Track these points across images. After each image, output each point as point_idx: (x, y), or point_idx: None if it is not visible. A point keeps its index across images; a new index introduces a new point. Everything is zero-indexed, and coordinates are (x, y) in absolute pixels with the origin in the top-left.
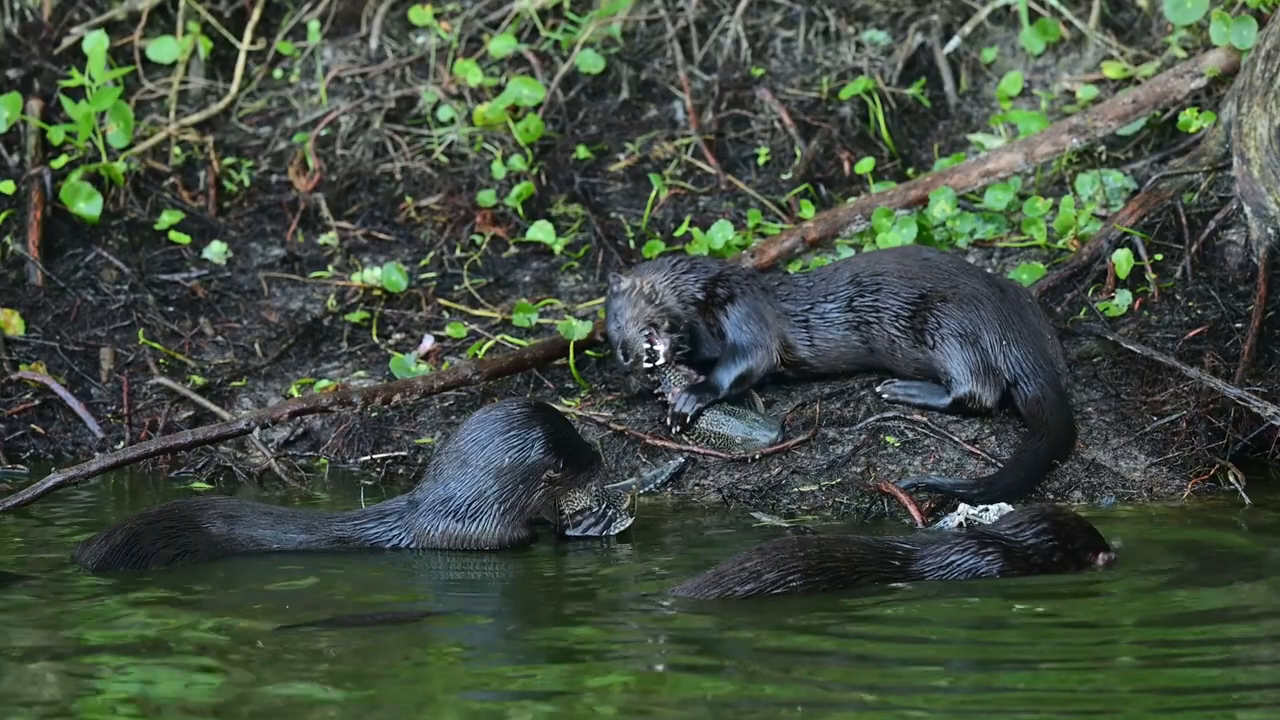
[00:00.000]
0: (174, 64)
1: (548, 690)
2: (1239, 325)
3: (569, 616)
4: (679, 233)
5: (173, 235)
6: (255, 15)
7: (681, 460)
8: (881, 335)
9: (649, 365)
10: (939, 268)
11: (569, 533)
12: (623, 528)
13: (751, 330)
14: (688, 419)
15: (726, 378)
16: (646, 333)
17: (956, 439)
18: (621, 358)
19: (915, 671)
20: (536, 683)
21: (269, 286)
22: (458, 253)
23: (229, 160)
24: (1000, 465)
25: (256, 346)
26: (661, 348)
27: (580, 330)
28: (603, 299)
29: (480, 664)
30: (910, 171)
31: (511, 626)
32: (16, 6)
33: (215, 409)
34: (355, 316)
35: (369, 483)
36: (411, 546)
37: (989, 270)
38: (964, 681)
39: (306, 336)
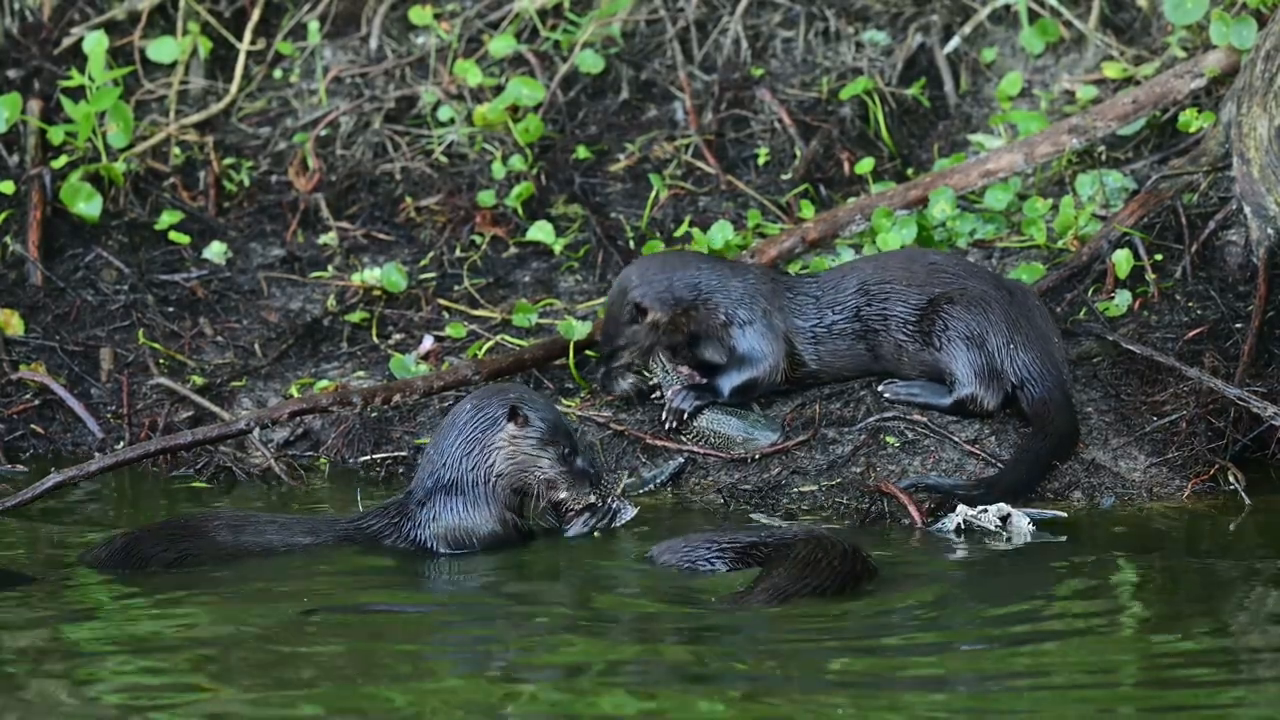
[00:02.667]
0: (174, 64)
1: (546, 692)
2: (1239, 325)
3: (568, 617)
4: (679, 233)
5: (173, 235)
6: (255, 15)
7: (681, 460)
8: (888, 341)
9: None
10: (946, 272)
11: (572, 532)
12: (629, 518)
13: (764, 347)
14: (685, 415)
15: (728, 385)
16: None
17: (956, 439)
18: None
19: (916, 672)
20: (535, 684)
21: (269, 286)
22: (458, 253)
23: (229, 160)
24: (1000, 465)
25: (256, 346)
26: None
27: (580, 330)
28: (603, 299)
29: (477, 663)
30: (910, 172)
31: (509, 627)
32: (16, 6)
33: (215, 409)
34: (355, 316)
35: (358, 482)
36: (411, 542)
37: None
38: (966, 685)
39: (306, 336)
